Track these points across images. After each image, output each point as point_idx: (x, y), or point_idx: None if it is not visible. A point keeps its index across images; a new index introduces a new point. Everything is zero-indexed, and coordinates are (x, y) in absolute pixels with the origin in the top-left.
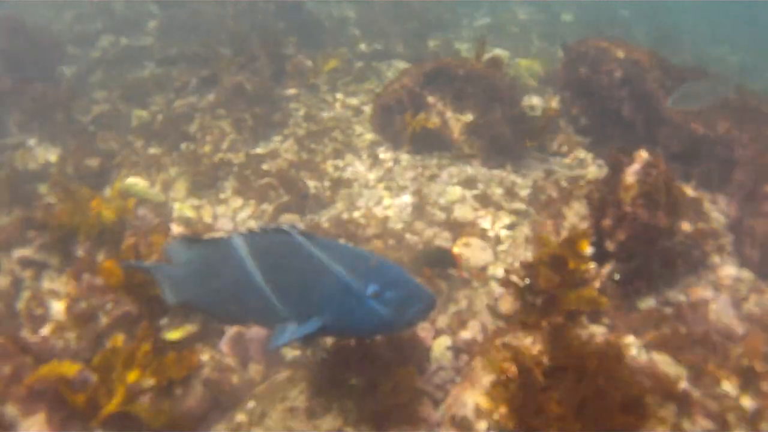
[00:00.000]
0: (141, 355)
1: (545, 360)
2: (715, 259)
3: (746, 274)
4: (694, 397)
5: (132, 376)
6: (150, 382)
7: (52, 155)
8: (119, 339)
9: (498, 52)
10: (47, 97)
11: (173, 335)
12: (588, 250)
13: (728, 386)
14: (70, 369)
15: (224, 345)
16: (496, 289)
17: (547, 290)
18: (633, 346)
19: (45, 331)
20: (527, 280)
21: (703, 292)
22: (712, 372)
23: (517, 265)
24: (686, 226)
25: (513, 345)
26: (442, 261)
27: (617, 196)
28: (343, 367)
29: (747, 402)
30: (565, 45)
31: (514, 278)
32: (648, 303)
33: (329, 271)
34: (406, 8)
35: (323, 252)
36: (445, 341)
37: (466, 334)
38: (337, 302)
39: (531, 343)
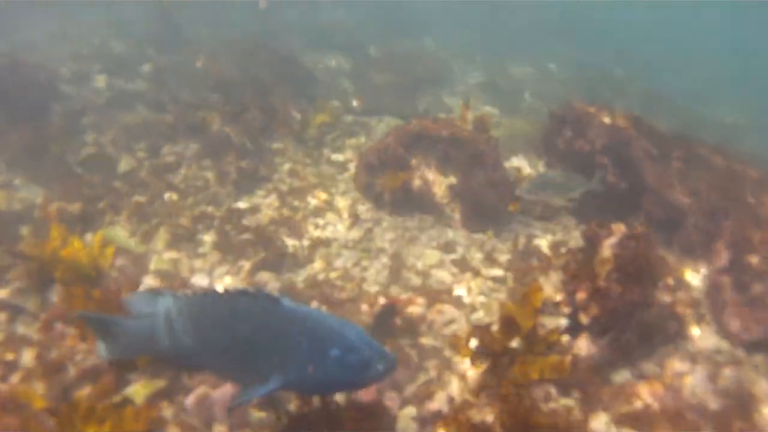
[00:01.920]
0: (100, 410)
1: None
2: (694, 329)
3: (725, 345)
4: None
5: (90, 430)
6: None
7: (37, 197)
8: (82, 394)
9: (488, 109)
10: (36, 137)
11: (138, 394)
12: (540, 304)
13: None
14: (40, 402)
15: (190, 403)
16: (468, 360)
17: (495, 352)
18: (602, 422)
19: (14, 379)
20: (474, 342)
21: (679, 364)
22: None
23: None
24: (665, 297)
25: (466, 418)
26: (388, 314)
27: (592, 270)
28: None
29: None
30: (551, 110)
31: (462, 339)
32: (623, 375)
33: (293, 334)
34: (401, 62)
35: (289, 316)
36: (411, 411)
37: (432, 406)
38: (300, 364)
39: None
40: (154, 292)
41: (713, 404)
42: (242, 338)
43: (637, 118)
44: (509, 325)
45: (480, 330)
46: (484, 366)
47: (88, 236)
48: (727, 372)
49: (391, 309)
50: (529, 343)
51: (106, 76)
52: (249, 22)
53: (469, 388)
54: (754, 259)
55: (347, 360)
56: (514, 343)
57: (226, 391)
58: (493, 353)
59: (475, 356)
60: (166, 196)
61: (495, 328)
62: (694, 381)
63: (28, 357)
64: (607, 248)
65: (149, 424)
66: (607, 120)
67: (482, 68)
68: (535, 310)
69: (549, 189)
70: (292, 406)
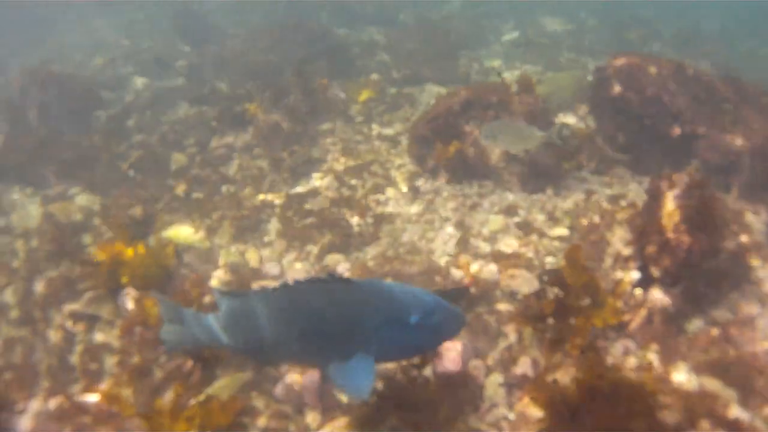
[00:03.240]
0: (188, 409)
1: (575, 392)
2: (760, 272)
3: None
4: (743, 420)
5: (180, 428)
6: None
7: (94, 204)
8: (169, 396)
9: (528, 67)
10: (84, 145)
11: (224, 390)
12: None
13: None
14: (130, 409)
15: (279, 392)
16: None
17: (548, 313)
18: (683, 372)
19: (102, 386)
20: (530, 306)
21: (748, 308)
22: (760, 393)
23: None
24: (730, 243)
25: (553, 380)
26: (460, 295)
27: (659, 223)
28: (395, 412)
29: None
30: (596, 66)
31: (515, 306)
32: (696, 324)
33: (372, 309)
34: (434, 29)
35: (365, 293)
36: (497, 378)
37: (517, 371)
38: (382, 337)
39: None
40: (228, 291)
41: None
42: (322, 324)
43: (681, 64)
44: (561, 285)
45: (534, 295)
46: (547, 327)
47: (151, 238)
48: None
49: (463, 291)
50: (592, 298)
51: (143, 76)
52: (275, 5)
53: (546, 351)
54: None
55: (426, 324)
56: (586, 302)
57: (314, 376)
58: (545, 315)
59: (533, 321)
60: (224, 188)
61: (550, 290)
62: (765, 324)
63: (111, 364)
64: (671, 200)
65: (237, 414)
66: (653, 69)
67: (516, 26)
68: (582, 267)
69: (499, 136)
70: (379, 384)
